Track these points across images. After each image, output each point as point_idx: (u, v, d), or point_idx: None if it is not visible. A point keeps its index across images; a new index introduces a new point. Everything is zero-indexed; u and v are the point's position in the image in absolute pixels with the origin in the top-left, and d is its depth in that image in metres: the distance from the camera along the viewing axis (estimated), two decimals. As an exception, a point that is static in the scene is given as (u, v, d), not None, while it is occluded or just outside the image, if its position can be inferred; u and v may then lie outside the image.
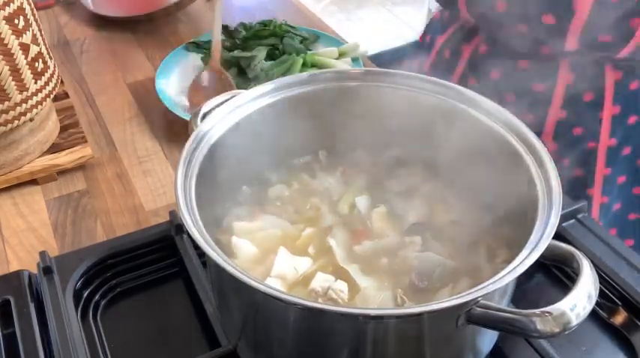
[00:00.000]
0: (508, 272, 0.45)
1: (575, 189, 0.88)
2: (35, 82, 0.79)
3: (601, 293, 0.61)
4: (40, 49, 0.80)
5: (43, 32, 0.82)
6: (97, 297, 0.65)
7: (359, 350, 0.49)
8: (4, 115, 0.77)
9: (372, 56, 1.10)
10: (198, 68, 1.02)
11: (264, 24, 1.08)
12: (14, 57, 0.75)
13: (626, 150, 0.87)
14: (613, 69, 0.81)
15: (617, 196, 0.90)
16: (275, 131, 0.64)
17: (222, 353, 0.57)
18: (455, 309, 0.45)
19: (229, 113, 0.61)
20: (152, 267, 0.68)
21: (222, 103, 0.61)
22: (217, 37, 0.99)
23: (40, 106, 0.81)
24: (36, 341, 0.59)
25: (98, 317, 0.64)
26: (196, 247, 0.63)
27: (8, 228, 0.78)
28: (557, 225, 0.48)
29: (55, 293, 0.62)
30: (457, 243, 0.60)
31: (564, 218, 0.68)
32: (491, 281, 0.45)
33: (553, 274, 0.65)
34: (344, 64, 1.00)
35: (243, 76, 0.99)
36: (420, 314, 0.45)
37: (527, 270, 0.45)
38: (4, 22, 0.73)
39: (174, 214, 0.68)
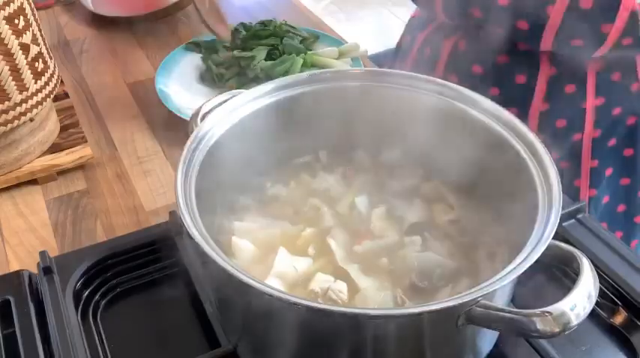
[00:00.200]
0: (508, 272, 0.45)
1: (562, 181, 0.88)
2: (35, 82, 0.79)
3: (601, 293, 0.61)
4: (40, 49, 0.80)
5: (43, 32, 0.82)
6: (97, 297, 0.65)
7: (359, 350, 0.49)
8: (4, 115, 0.77)
9: (372, 56, 1.09)
10: (199, 68, 1.02)
11: (264, 24, 1.08)
12: (14, 57, 0.75)
13: (612, 142, 0.88)
14: (594, 61, 0.82)
15: (606, 189, 0.91)
16: (275, 131, 0.64)
17: (222, 353, 0.57)
18: (455, 309, 0.45)
19: (229, 113, 0.61)
20: (152, 267, 0.67)
21: (222, 103, 0.61)
22: None
23: (40, 106, 0.81)
24: (36, 341, 0.59)
25: (98, 317, 0.64)
26: (196, 247, 0.63)
27: (8, 228, 0.78)
28: (557, 225, 0.48)
29: (55, 293, 0.62)
30: (457, 243, 0.60)
31: (564, 218, 0.68)
32: (491, 281, 0.45)
33: (553, 274, 0.65)
34: (344, 64, 1.00)
35: (243, 76, 0.99)
36: (420, 314, 0.45)
37: (527, 270, 0.45)
38: (4, 22, 0.73)
39: (174, 214, 0.68)
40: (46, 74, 0.81)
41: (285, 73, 0.96)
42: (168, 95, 0.94)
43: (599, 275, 0.53)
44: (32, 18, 0.79)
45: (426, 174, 0.66)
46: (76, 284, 0.64)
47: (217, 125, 0.59)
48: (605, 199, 0.91)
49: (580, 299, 0.44)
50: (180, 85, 0.98)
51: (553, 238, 0.47)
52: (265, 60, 0.99)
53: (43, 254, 0.65)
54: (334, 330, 0.48)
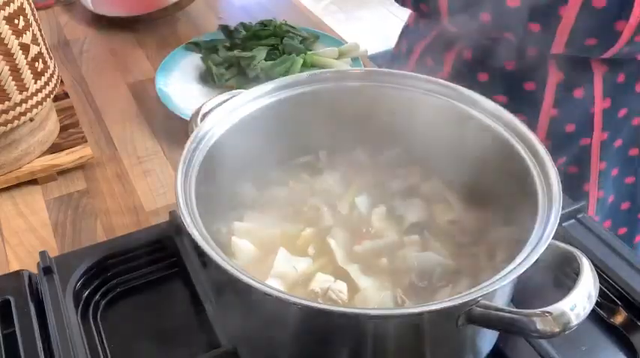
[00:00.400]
0: (508, 272, 0.45)
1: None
2: (35, 82, 0.79)
3: (601, 293, 0.61)
4: (40, 49, 0.80)
5: (43, 32, 0.82)
6: (97, 297, 0.65)
7: (359, 350, 0.49)
8: (4, 115, 0.77)
9: (372, 56, 1.09)
10: (198, 68, 1.02)
11: (264, 24, 1.08)
12: (14, 57, 0.75)
13: (618, 143, 0.88)
14: (599, 63, 0.82)
15: (611, 188, 0.91)
16: (275, 131, 0.64)
17: (222, 353, 0.57)
18: (455, 309, 0.45)
19: (229, 113, 0.61)
20: (152, 267, 0.67)
21: (222, 103, 0.61)
22: None
23: (40, 106, 0.81)
24: (36, 341, 0.59)
25: (98, 317, 0.64)
26: (196, 247, 0.63)
27: (8, 228, 0.77)
28: (557, 225, 0.48)
29: (55, 293, 0.62)
30: (457, 243, 0.60)
31: (564, 218, 0.68)
32: (491, 281, 0.45)
33: (553, 274, 0.65)
34: (344, 64, 1.00)
35: (243, 76, 0.99)
36: (420, 314, 0.45)
37: (527, 270, 0.45)
38: (4, 22, 0.73)
39: (174, 214, 0.68)
40: (46, 74, 0.81)
41: (285, 73, 0.96)
42: (168, 95, 0.94)
43: (599, 275, 0.53)
44: (32, 18, 0.79)
45: (426, 174, 0.66)
46: (76, 284, 0.64)
47: (217, 125, 0.59)
48: (611, 199, 0.92)
49: (580, 299, 0.44)
50: (180, 85, 0.98)
51: (553, 238, 0.47)
52: (265, 60, 0.99)
53: (43, 254, 0.65)
54: (334, 330, 0.48)
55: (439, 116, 0.62)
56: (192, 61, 1.03)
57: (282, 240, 0.60)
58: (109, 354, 0.60)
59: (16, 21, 0.75)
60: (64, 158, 0.84)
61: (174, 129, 0.91)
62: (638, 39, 0.74)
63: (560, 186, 0.51)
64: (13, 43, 0.75)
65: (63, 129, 0.89)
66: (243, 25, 1.10)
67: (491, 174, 0.60)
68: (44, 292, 0.62)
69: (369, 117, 0.66)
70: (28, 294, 0.63)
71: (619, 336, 0.60)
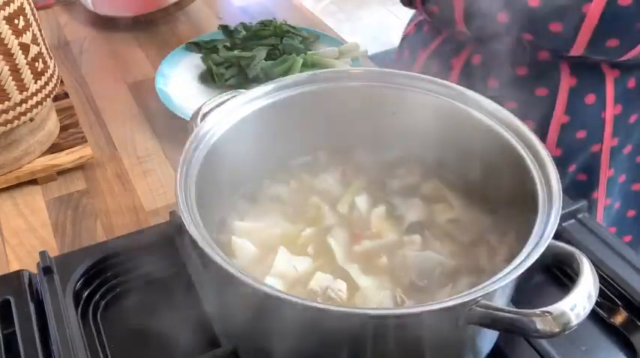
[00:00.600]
0: (508, 272, 0.45)
1: (580, 194, 0.88)
2: (35, 82, 0.79)
3: (601, 293, 0.61)
4: (40, 49, 0.80)
5: (43, 32, 0.82)
6: (97, 297, 0.65)
7: (358, 349, 0.49)
8: (4, 115, 0.77)
9: (372, 56, 1.09)
10: (199, 68, 1.02)
11: (264, 24, 1.08)
12: (14, 57, 0.75)
13: (627, 149, 0.87)
14: (610, 68, 0.81)
15: (618, 195, 0.90)
16: (275, 131, 0.64)
17: (222, 353, 0.57)
18: (455, 309, 0.45)
19: (229, 113, 0.61)
20: (152, 267, 0.67)
21: (222, 103, 0.61)
22: None
23: (40, 106, 0.81)
24: (36, 341, 0.59)
25: (98, 317, 0.64)
26: (196, 247, 0.63)
27: (8, 228, 0.77)
28: (557, 224, 0.48)
29: (55, 293, 0.62)
30: (457, 243, 0.60)
31: (564, 218, 0.68)
32: (491, 281, 0.45)
33: (553, 274, 0.65)
34: (344, 64, 1.00)
35: (243, 76, 0.99)
36: (420, 314, 0.45)
37: (527, 270, 0.45)
38: (4, 22, 0.73)
39: (174, 214, 0.68)
40: (46, 74, 0.81)
41: (285, 73, 0.96)
42: (168, 95, 0.94)
43: (599, 275, 0.53)
44: (32, 18, 0.79)
45: (426, 174, 0.66)
46: (76, 284, 0.64)
47: (217, 125, 0.59)
48: (617, 205, 0.91)
49: (580, 299, 0.44)
50: (180, 85, 0.98)
51: (553, 238, 0.47)
52: (265, 60, 0.99)
53: (43, 254, 0.65)
54: (334, 330, 0.48)
55: (439, 116, 0.62)
56: (192, 61, 1.03)
57: (282, 239, 0.60)
58: (109, 354, 0.60)
59: (16, 21, 0.75)
60: (64, 158, 0.84)
61: (174, 129, 0.91)
62: None
63: (561, 185, 0.51)
64: (13, 43, 0.75)
65: (63, 129, 0.89)
66: (243, 25, 1.10)
67: (491, 174, 0.60)
68: (44, 292, 0.62)
69: (369, 117, 0.66)
70: (28, 294, 0.63)
71: (619, 336, 0.60)
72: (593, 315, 0.61)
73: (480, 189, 0.62)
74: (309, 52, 1.01)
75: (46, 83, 0.82)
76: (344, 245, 0.60)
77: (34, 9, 0.81)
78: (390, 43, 1.17)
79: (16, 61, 0.76)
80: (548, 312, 0.43)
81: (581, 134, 0.85)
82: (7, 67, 0.75)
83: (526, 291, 0.58)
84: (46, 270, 0.64)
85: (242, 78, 0.98)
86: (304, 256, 0.58)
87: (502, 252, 0.57)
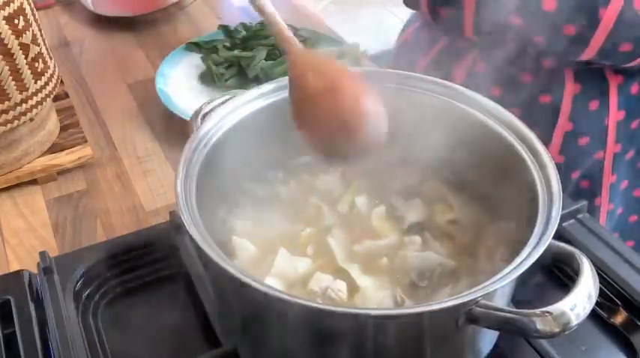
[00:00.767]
0: (508, 272, 0.45)
1: (582, 201, 0.87)
2: (35, 82, 0.79)
3: (601, 293, 0.61)
4: (40, 49, 0.80)
5: (43, 32, 0.82)
6: (97, 297, 0.65)
7: (358, 349, 0.49)
8: (4, 115, 0.77)
9: (372, 56, 1.09)
10: (199, 68, 1.02)
11: (264, 24, 1.08)
12: (14, 57, 0.75)
13: (629, 155, 0.87)
14: (614, 74, 0.81)
15: (620, 201, 0.90)
16: (275, 131, 0.64)
17: (222, 353, 0.57)
18: (455, 309, 0.45)
19: (229, 113, 0.61)
20: (152, 267, 0.67)
21: (222, 103, 0.61)
22: None
23: (40, 106, 0.81)
24: (36, 341, 0.59)
25: (98, 317, 0.64)
26: (196, 247, 0.63)
27: (8, 228, 0.77)
28: (557, 224, 0.48)
29: (55, 293, 0.62)
30: (457, 243, 0.60)
31: (564, 218, 0.68)
32: (491, 281, 0.45)
33: (553, 274, 0.65)
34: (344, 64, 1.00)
35: (243, 76, 0.99)
36: (420, 314, 0.45)
37: (527, 270, 0.45)
38: (4, 22, 0.73)
39: (174, 214, 0.68)
40: (46, 74, 0.81)
41: (285, 73, 0.95)
42: (168, 95, 0.94)
43: (599, 275, 0.53)
44: (32, 18, 0.79)
45: (426, 174, 0.66)
46: (76, 284, 0.64)
47: (217, 125, 0.59)
48: (619, 211, 0.91)
49: (580, 299, 0.44)
50: (180, 85, 0.98)
51: (553, 238, 0.47)
52: (265, 60, 0.99)
53: (43, 254, 0.65)
54: (334, 330, 0.48)
55: (439, 116, 0.62)
56: (192, 61, 1.03)
57: (282, 239, 0.60)
58: (109, 354, 0.60)
59: (16, 21, 0.75)
60: (64, 158, 0.84)
61: (174, 129, 0.91)
62: None
63: (560, 185, 0.51)
64: (13, 43, 0.75)
65: (63, 129, 0.89)
66: (243, 25, 1.10)
67: (491, 174, 0.60)
68: (44, 292, 0.62)
69: (369, 117, 0.66)
70: (28, 294, 0.63)
71: (619, 336, 0.60)
72: (593, 315, 0.61)
73: (480, 189, 0.62)
74: (309, 52, 1.01)
75: (46, 83, 0.82)
76: (344, 245, 0.60)
77: (34, 9, 0.81)
78: (390, 43, 1.16)
79: (16, 61, 0.76)
80: (548, 312, 0.43)
81: (584, 140, 0.84)
82: (7, 67, 0.75)
83: (526, 291, 0.58)
84: (46, 270, 0.64)
85: (242, 78, 0.98)
86: (304, 256, 0.58)
87: (502, 252, 0.57)
